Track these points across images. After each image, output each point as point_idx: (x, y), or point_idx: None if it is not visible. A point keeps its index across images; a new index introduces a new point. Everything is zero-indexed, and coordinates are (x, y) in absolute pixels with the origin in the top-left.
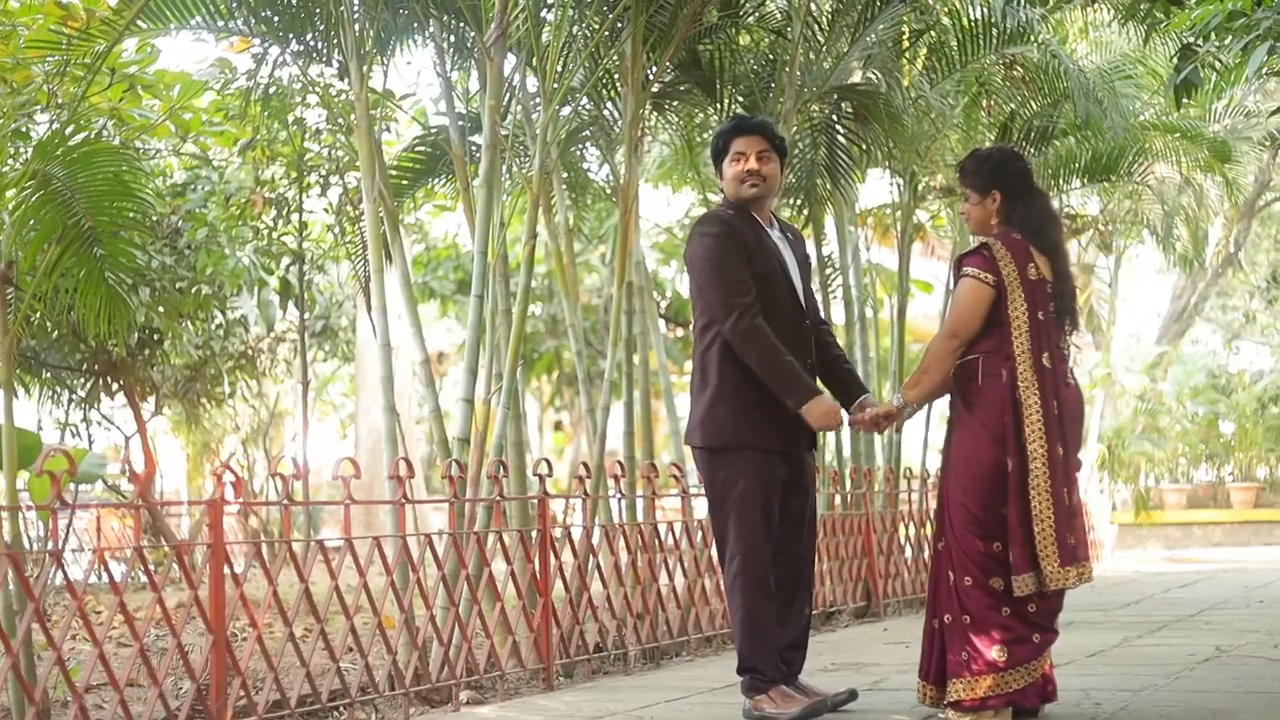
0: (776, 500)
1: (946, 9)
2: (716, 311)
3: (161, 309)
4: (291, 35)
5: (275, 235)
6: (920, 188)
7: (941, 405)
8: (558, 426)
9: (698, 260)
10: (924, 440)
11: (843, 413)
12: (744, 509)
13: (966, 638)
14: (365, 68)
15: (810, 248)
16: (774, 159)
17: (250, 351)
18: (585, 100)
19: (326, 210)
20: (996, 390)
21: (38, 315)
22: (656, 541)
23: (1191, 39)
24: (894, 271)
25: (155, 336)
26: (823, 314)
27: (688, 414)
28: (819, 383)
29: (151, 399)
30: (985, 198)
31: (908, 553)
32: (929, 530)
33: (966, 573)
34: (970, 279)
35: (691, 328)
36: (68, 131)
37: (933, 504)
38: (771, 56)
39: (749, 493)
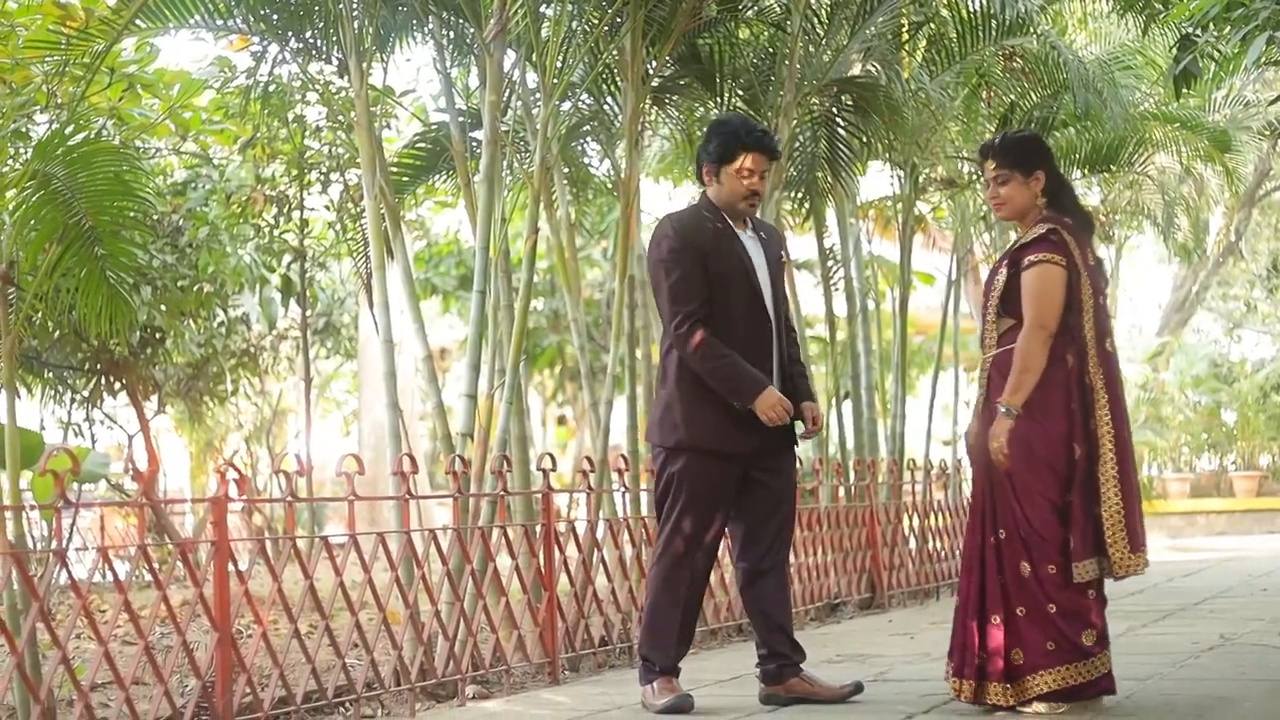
0: (722, 506)
1: (945, 1)
2: (664, 318)
3: (163, 307)
4: (290, 33)
5: (276, 233)
6: (921, 180)
7: (945, 396)
8: (561, 421)
9: (651, 267)
10: (927, 431)
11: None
12: (683, 511)
13: (1054, 627)
14: (365, 65)
15: (812, 243)
16: (769, 177)
17: (252, 349)
18: (585, 95)
19: (327, 207)
20: (1061, 375)
21: (39, 315)
22: None
23: (1190, 29)
24: (895, 264)
25: (157, 335)
26: (792, 319)
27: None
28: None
29: (154, 397)
30: (1029, 178)
31: (912, 544)
32: (933, 521)
33: (1048, 561)
34: (1046, 264)
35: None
36: (67, 131)
37: (936, 495)
38: (771, 50)
39: (690, 497)
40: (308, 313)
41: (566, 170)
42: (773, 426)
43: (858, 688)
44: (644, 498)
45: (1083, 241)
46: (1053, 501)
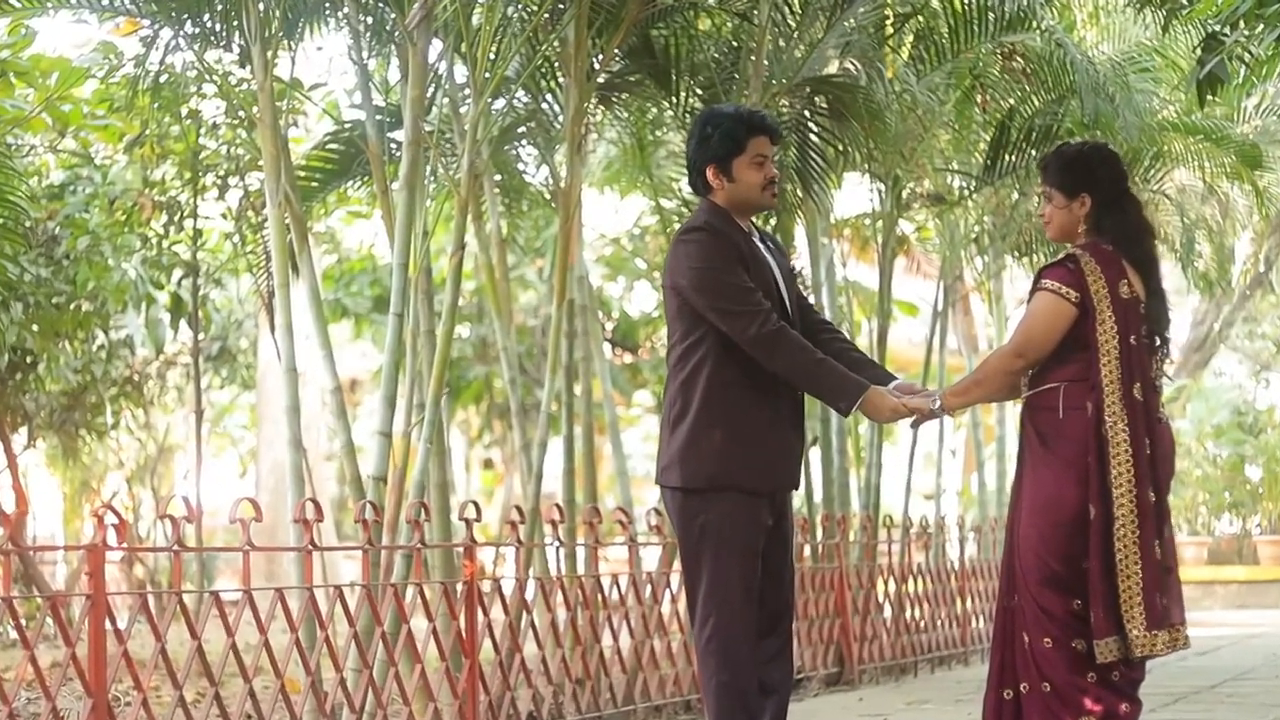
0: (759, 550)
1: None
2: (730, 321)
3: (35, 328)
4: (186, 16)
5: (166, 244)
6: (905, 195)
7: (926, 444)
8: (487, 465)
9: (689, 270)
10: (906, 483)
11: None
12: (725, 562)
13: (1048, 709)
14: (270, 53)
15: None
16: None
17: (136, 377)
18: (521, 92)
19: (225, 216)
20: (1080, 425)
21: None
22: (599, 597)
23: (1218, 27)
24: (874, 291)
25: (28, 359)
26: (825, 315)
27: (659, 451)
28: None
29: (23, 430)
30: (1073, 201)
31: (887, 612)
32: (911, 587)
33: (1045, 634)
34: (1049, 294)
35: (668, 352)
36: None
37: (916, 557)
38: (735, 43)
39: (732, 543)
40: (200, 336)
41: (498, 178)
42: (791, 462)
43: None
44: (580, 554)
45: (1112, 274)
46: (1054, 569)
